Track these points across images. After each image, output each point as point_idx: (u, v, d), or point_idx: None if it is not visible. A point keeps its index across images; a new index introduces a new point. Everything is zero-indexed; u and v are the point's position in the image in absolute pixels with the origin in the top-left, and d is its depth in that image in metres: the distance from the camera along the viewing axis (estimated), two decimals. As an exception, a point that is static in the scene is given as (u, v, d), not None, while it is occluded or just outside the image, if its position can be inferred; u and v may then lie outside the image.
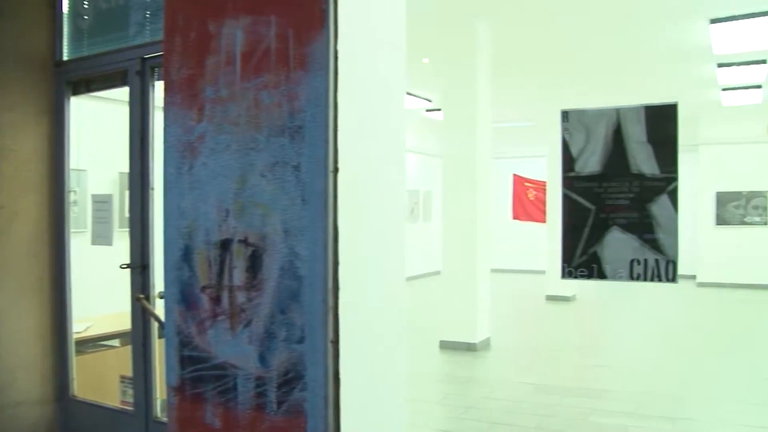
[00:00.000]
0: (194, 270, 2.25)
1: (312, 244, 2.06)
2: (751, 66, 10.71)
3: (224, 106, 2.18)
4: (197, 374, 2.26)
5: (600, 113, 3.89)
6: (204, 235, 2.23)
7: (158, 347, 4.22)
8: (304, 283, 2.05)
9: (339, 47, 2.07)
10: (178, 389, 2.31)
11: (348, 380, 2.20)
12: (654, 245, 3.76)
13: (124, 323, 4.52)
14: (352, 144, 2.49)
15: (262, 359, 2.12)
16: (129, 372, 4.37)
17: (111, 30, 4.46)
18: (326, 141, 2.04)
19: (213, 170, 2.21)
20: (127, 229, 4.26)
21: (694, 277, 15.86)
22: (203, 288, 2.24)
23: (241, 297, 2.16)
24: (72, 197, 4.89)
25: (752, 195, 15.34)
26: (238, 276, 2.16)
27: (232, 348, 2.18)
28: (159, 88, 4.16)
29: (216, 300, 2.20)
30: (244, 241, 2.15)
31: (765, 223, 15.28)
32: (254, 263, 2.13)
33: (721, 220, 15.65)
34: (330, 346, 2.07)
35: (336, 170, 2.11)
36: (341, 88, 2.09)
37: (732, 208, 15.55)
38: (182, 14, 2.30)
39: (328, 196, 2.07)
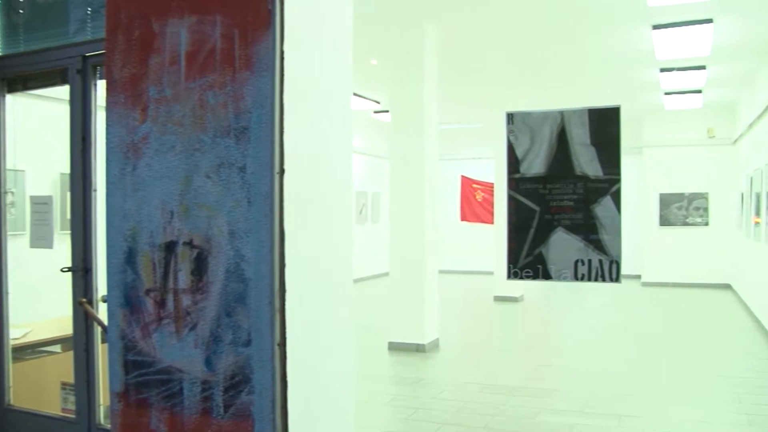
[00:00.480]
0: (138, 273, 2.22)
1: (258, 246, 2.05)
2: (692, 71, 11.07)
3: (168, 107, 2.16)
4: (142, 379, 2.23)
5: (545, 115, 3.97)
6: (148, 237, 2.21)
7: (101, 352, 4.15)
8: (250, 285, 2.05)
9: (285, 48, 2.07)
10: (122, 395, 2.27)
11: (295, 383, 2.19)
12: (598, 246, 3.85)
13: (66, 328, 4.42)
14: (299, 145, 2.49)
15: (209, 363, 2.11)
16: (71, 378, 4.27)
17: (50, 26, 4.36)
18: (272, 142, 2.04)
19: (157, 171, 2.18)
20: (69, 232, 4.17)
21: (639, 277, 16.27)
22: (147, 291, 2.21)
23: (186, 300, 2.14)
24: (9, 198, 4.76)
25: (694, 196, 15.81)
26: (184, 279, 2.14)
27: (178, 352, 2.16)
28: (101, 87, 4.09)
29: (161, 303, 2.18)
30: (190, 244, 2.14)
31: (706, 224, 15.75)
32: (200, 265, 2.12)
33: (665, 221, 16.07)
34: (277, 348, 2.07)
35: (282, 171, 2.11)
36: (287, 89, 2.09)
37: (675, 210, 15.99)
38: (125, 12, 2.27)
39: (274, 197, 2.07)
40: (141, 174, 2.21)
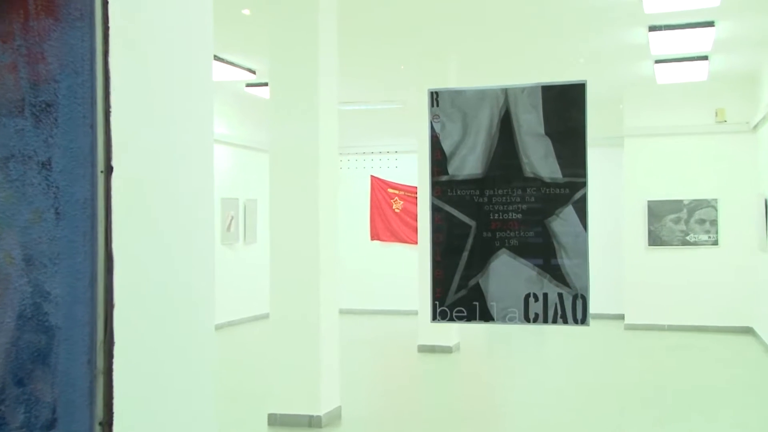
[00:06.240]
0: None
1: (71, 279, 1.99)
2: (695, 29, 11.08)
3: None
4: None
5: (482, 95, 4.03)
6: None
7: None
8: (57, 337, 1.98)
9: (112, -12, 2.03)
10: None
11: (128, 479, 2.14)
12: (557, 274, 3.92)
13: None
14: (133, 131, 2.44)
15: (-12, 457, 2.03)
16: None
17: None
18: (92, 126, 1.99)
19: None
20: None
21: (621, 317, 16.46)
22: None
23: (-45, 361, 2.05)
24: None
25: (697, 204, 15.89)
26: (-48, 328, 2.05)
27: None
28: None
29: None
30: (-39, 276, 2.05)
31: (715, 243, 15.80)
32: (-24, 308, 2.03)
33: (656, 240, 16.15)
34: (99, 429, 2.01)
35: (109, 169, 2.07)
36: (115, 48, 2.05)
37: (670, 223, 16.02)
38: None
39: (96, 207, 2.02)
40: None
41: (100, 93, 2.02)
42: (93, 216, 2.02)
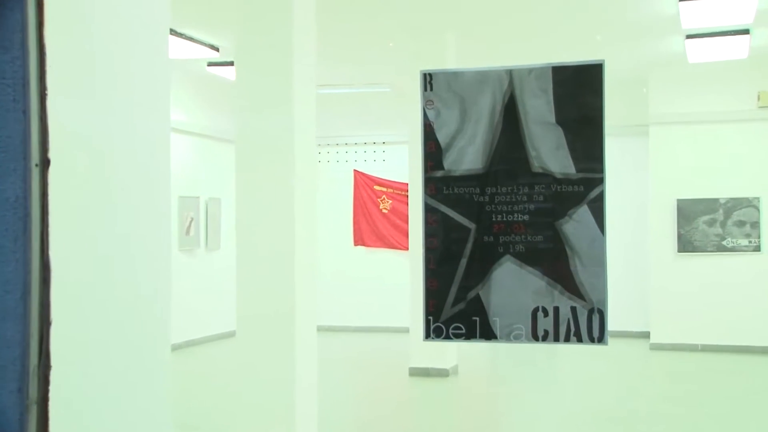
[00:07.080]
0: None
1: (-1, 291, 1.98)
2: None
3: None
4: None
5: (483, 77, 4.02)
6: None
7: None
8: (-18, 359, 1.97)
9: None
10: None
11: None
12: (569, 285, 3.92)
13: None
14: (74, 118, 2.42)
15: None
16: None
17: None
18: (24, 112, 1.98)
19: None
20: None
21: (646, 335, 16.47)
22: None
23: None
24: None
25: (736, 204, 15.78)
26: None
27: None
28: None
29: None
30: None
31: (756, 249, 15.67)
32: None
33: (687, 245, 16.10)
34: (31, 469, 2.00)
35: (45, 163, 2.06)
36: (52, 19, 2.03)
37: (704, 226, 15.93)
38: None
39: (29, 207, 2.01)
40: None
41: (33, 73, 2.01)
42: (26, 217, 2.01)
